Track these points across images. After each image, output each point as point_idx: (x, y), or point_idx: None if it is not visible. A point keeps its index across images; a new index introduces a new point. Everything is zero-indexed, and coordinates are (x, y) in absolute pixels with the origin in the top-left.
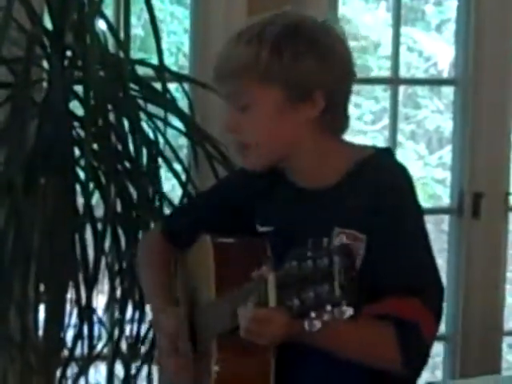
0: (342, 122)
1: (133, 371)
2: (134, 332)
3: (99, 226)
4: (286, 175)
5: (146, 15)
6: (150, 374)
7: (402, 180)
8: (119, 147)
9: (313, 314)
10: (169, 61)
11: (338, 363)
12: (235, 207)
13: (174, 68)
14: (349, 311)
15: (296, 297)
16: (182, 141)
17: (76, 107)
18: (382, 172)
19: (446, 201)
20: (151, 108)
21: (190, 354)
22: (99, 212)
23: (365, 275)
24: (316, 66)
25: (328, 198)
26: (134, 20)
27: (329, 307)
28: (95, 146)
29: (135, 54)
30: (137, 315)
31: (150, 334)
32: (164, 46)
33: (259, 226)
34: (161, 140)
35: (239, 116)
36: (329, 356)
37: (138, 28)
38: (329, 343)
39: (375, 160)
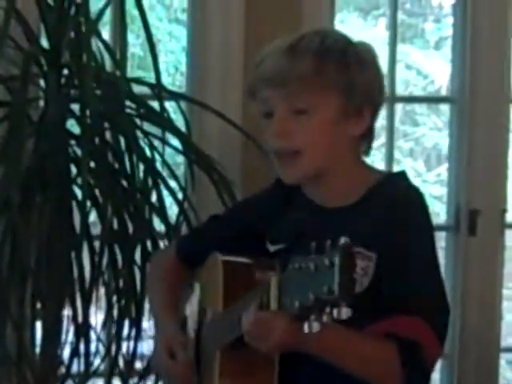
0: (370, 145)
1: None
2: (131, 349)
3: (96, 243)
4: (303, 193)
5: (144, 34)
6: None
7: (414, 202)
8: (116, 165)
9: (312, 317)
10: (166, 80)
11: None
12: (249, 230)
13: (171, 87)
14: (347, 312)
15: (297, 299)
16: (179, 159)
17: (72, 125)
18: (394, 194)
19: (443, 218)
20: (147, 126)
21: (190, 364)
22: (96, 230)
23: (373, 293)
24: (375, 79)
25: (342, 217)
26: (132, 39)
27: (328, 309)
28: (92, 164)
29: (134, 73)
30: (133, 332)
31: (147, 351)
32: (162, 65)
33: (270, 246)
34: (157, 158)
35: (292, 121)
36: (329, 368)
37: (137, 47)
38: (329, 353)
39: (389, 183)
